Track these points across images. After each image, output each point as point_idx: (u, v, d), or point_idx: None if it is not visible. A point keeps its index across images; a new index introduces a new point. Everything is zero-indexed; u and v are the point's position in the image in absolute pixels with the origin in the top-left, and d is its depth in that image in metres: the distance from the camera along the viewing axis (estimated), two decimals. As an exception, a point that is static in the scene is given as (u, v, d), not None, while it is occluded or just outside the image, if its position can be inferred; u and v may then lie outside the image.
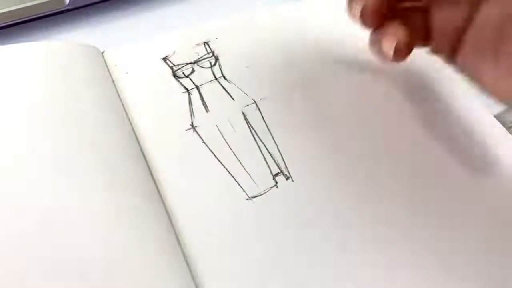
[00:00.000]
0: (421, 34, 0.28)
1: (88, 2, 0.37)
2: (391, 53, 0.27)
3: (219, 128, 0.30)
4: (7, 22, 0.35)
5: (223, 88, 0.31)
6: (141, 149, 0.29)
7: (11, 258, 0.24)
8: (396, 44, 0.26)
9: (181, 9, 0.37)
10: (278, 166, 0.28)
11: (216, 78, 0.32)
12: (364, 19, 0.27)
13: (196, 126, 0.30)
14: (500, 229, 0.26)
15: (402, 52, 0.27)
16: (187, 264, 0.25)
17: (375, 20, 0.27)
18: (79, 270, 0.24)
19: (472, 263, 0.25)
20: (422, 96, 0.31)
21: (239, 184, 0.27)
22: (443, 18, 0.27)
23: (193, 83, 0.32)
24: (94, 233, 0.25)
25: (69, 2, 0.36)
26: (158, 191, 0.28)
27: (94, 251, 0.24)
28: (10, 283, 0.23)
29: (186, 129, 0.30)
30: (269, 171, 0.28)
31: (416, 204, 0.27)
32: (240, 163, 0.28)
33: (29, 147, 0.28)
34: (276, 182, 0.27)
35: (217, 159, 0.28)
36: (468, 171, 0.28)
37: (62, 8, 0.36)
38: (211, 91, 0.31)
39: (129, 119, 0.30)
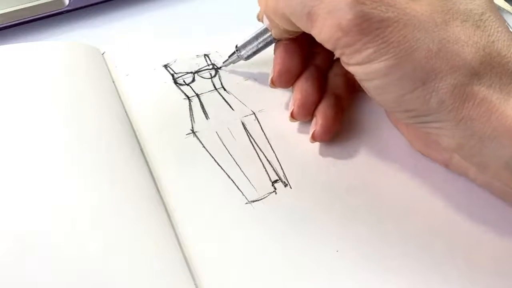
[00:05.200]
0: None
1: (88, 3, 0.37)
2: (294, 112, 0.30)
3: (219, 134, 0.30)
4: (7, 23, 0.35)
5: (223, 98, 0.32)
6: (141, 151, 0.30)
7: (10, 257, 0.23)
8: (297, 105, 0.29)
9: (182, 10, 0.38)
10: (276, 173, 0.29)
11: (216, 89, 0.33)
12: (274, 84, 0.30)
13: (196, 131, 0.30)
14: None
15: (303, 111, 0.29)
16: (187, 265, 0.25)
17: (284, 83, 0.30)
18: (79, 270, 0.23)
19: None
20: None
21: (238, 189, 0.28)
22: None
23: (194, 91, 0.33)
24: (94, 234, 0.25)
25: (69, 2, 0.37)
26: (159, 192, 0.28)
27: (94, 252, 0.24)
28: (10, 282, 0.23)
29: (186, 133, 0.30)
30: (268, 177, 0.29)
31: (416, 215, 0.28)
32: (240, 168, 0.29)
33: (28, 147, 0.27)
34: (275, 189, 0.28)
35: (217, 163, 0.29)
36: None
37: (62, 8, 0.36)
38: (211, 100, 0.32)
39: (129, 121, 0.31)
